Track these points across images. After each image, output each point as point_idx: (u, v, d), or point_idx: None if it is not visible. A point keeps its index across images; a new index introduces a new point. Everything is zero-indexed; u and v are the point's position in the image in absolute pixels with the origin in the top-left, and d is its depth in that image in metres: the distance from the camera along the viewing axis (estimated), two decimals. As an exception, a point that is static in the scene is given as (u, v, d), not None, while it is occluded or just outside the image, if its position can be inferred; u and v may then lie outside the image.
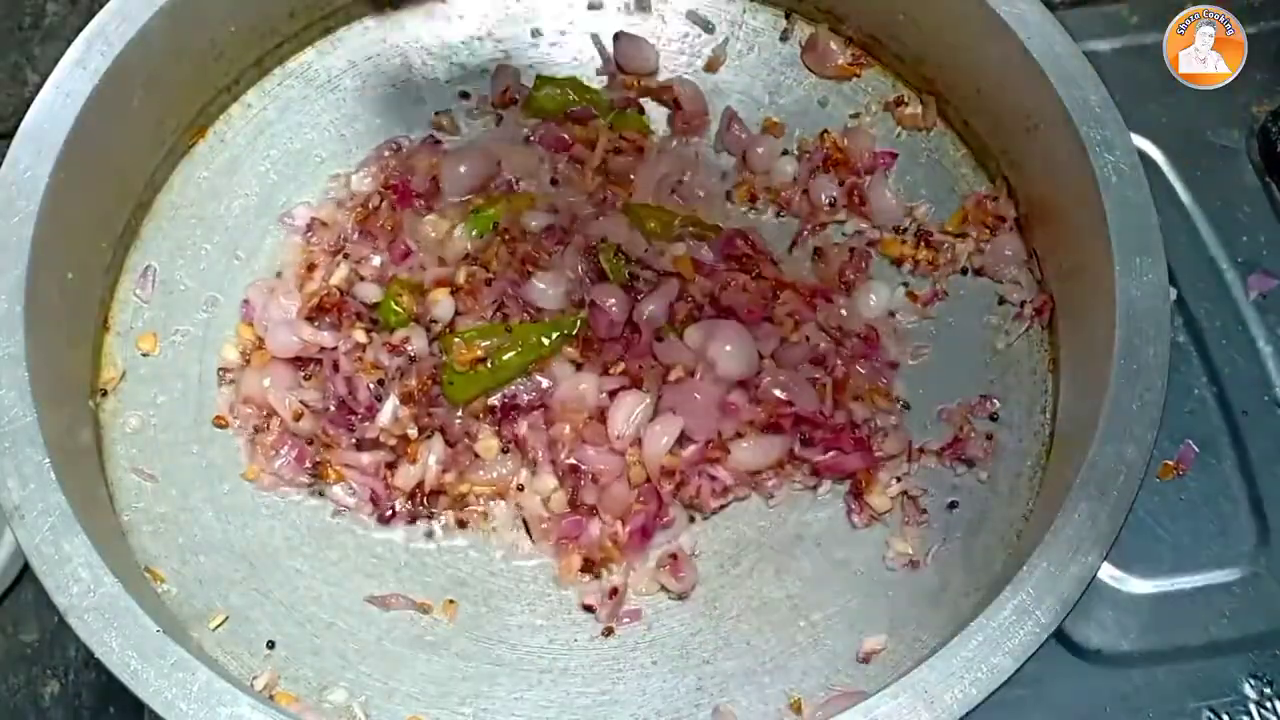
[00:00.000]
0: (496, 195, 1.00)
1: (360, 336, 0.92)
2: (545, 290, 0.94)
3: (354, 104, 1.06)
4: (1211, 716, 0.91)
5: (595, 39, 1.07)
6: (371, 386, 0.91)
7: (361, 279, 0.96)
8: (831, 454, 0.91)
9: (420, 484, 0.90)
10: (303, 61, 1.07)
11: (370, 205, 0.99)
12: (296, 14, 1.04)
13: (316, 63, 1.07)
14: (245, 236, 1.00)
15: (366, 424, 0.90)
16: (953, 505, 0.92)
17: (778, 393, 0.90)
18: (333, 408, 0.92)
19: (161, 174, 1.00)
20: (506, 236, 0.96)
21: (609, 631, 0.88)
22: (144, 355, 0.95)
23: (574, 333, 0.92)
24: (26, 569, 1.02)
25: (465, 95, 1.06)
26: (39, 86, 0.89)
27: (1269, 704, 0.92)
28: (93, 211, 0.93)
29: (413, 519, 0.91)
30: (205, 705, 0.73)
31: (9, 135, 0.87)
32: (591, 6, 1.09)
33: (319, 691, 0.86)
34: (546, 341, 0.92)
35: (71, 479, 0.81)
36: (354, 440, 0.91)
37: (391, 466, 0.91)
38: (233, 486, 0.92)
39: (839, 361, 0.93)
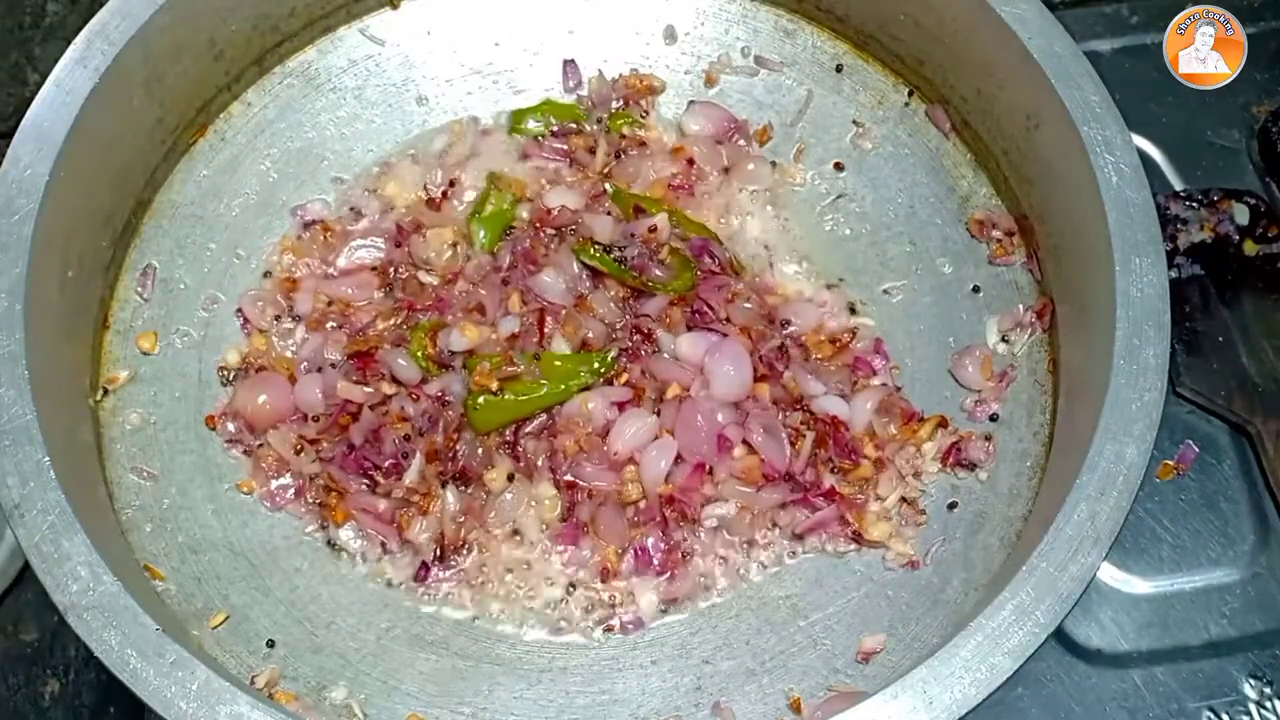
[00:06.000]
0: (486, 190, 1.01)
1: (388, 388, 0.92)
2: (550, 284, 0.94)
3: (354, 103, 1.06)
4: (1211, 716, 0.91)
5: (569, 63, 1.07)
6: (398, 441, 0.90)
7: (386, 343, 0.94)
8: (804, 512, 0.90)
9: (440, 536, 0.90)
10: (303, 60, 1.07)
11: (390, 277, 0.98)
12: (297, 12, 1.04)
13: (317, 62, 1.07)
14: (246, 235, 1.00)
15: (392, 480, 0.90)
16: (952, 506, 0.92)
17: (756, 439, 0.90)
18: (341, 452, 0.91)
19: (162, 172, 1.01)
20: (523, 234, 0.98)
21: (609, 630, 0.88)
22: (144, 354, 0.95)
23: (608, 370, 0.92)
24: (26, 568, 1.01)
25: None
26: (39, 85, 0.89)
27: (1269, 704, 0.91)
28: (93, 210, 0.93)
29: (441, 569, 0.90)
30: (205, 704, 0.73)
31: (9, 134, 0.87)
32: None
33: (319, 690, 0.86)
34: (578, 377, 0.91)
35: (71, 477, 0.81)
36: (365, 484, 0.90)
37: (403, 511, 0.90)
38: (232, 485, 0.92)
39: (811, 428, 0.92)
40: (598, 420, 0.91)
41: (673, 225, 0.97)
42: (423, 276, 0.97)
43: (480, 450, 0.91)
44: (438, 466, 0.90)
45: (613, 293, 0.95)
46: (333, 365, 0.93)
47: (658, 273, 0.95)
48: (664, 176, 1.02)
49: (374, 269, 0.98)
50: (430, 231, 0.98)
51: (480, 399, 0.89)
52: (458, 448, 0.91)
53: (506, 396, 0.90)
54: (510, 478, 0.91)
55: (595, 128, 1.05)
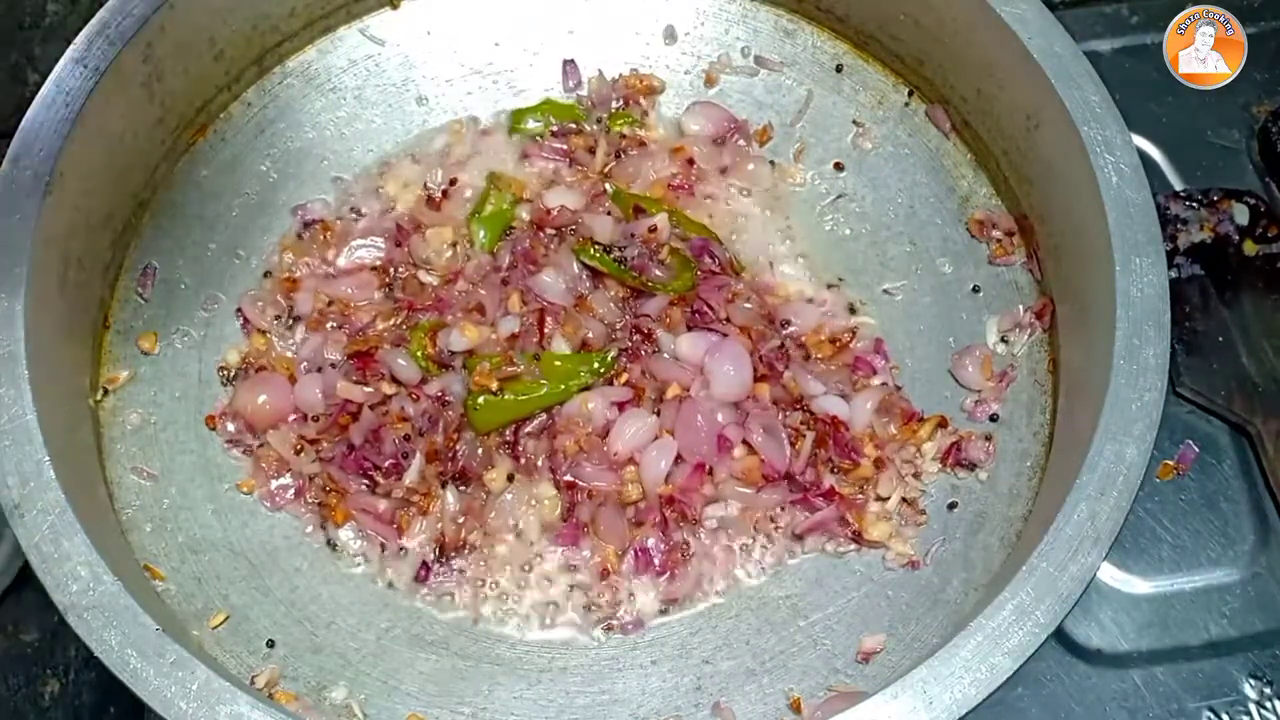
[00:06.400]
0: (486, 189, 1.01)
1: (388, 388, 0.92)
2: (550, 284, 0.94)
3: (354, 103, 1.06)
4: (1211, 716, 0.91)
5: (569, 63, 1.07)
6: (398, 441, 0.90)
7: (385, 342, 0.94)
8: (804, 512, 0.90)
9: (441, 537, 0.89)
10: (303, 60, 1.07)
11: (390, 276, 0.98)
12: (297, 12, 1.04)
13: (317, 62, 1.07)
14: (246, 235, 1.00)
15: (392, 480, 0.90)
16: (952, 506, 0.92)
17: (756, 439, 0.90)
18: (341, 452, 0.91)
19: (162, 172, 1.01)
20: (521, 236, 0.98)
21: (609, 630, 0.88)
22: (144, 354, 0.96)
23: (608, 370, 0.92)
24: (26, 568, 1.01)
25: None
26: (39, 86, 0.89)
27: (1269, 704, 0.91)
28: (93, 210, 0.93)
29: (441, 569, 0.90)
30: (205, 704, 0.73)
31: (9, 134, 0.87)
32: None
33: (319, 690, 0.86)
34: (578, 377, 0.91)
35: (71, 477, 0.81)
36: (365, 484, 0.91)
37: (403, 511, 0.90)
38: (232, 485, 0.92)
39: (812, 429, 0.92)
40: (598, 420, 0.91)
41: (673, 225, 0.97)
42: (423, 276, 0.97)
43: (480, 450, 0.91)
44: (438, 466, 0.90)
45: (613, 293, 0.95)
46: (333, 365, 0.93)
47: (658, 273, 0.95)
48: (664, 176, 1.02)
49: (374, 269, 0.98)
50: (430, 231, 0.98)
51: (480, 399, 0.89)
52: (458, 448, 0.91)
53: (506, 397, 0.90)
54: (510, 478, 0.91)
55: (595, 127, 1.05)
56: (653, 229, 0.95)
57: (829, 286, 0.99)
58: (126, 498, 0.91)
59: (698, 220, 1.00)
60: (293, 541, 0.91)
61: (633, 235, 0.96)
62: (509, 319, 0.93)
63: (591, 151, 1.03)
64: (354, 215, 1.01)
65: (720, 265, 0.97)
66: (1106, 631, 0.94)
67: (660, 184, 1.02)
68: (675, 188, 1.02)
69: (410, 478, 0.89)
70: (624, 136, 1.04)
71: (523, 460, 0.91)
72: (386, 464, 0.90)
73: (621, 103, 1.05)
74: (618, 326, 0.94)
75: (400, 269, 0.98)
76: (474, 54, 1.08)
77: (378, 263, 0.98)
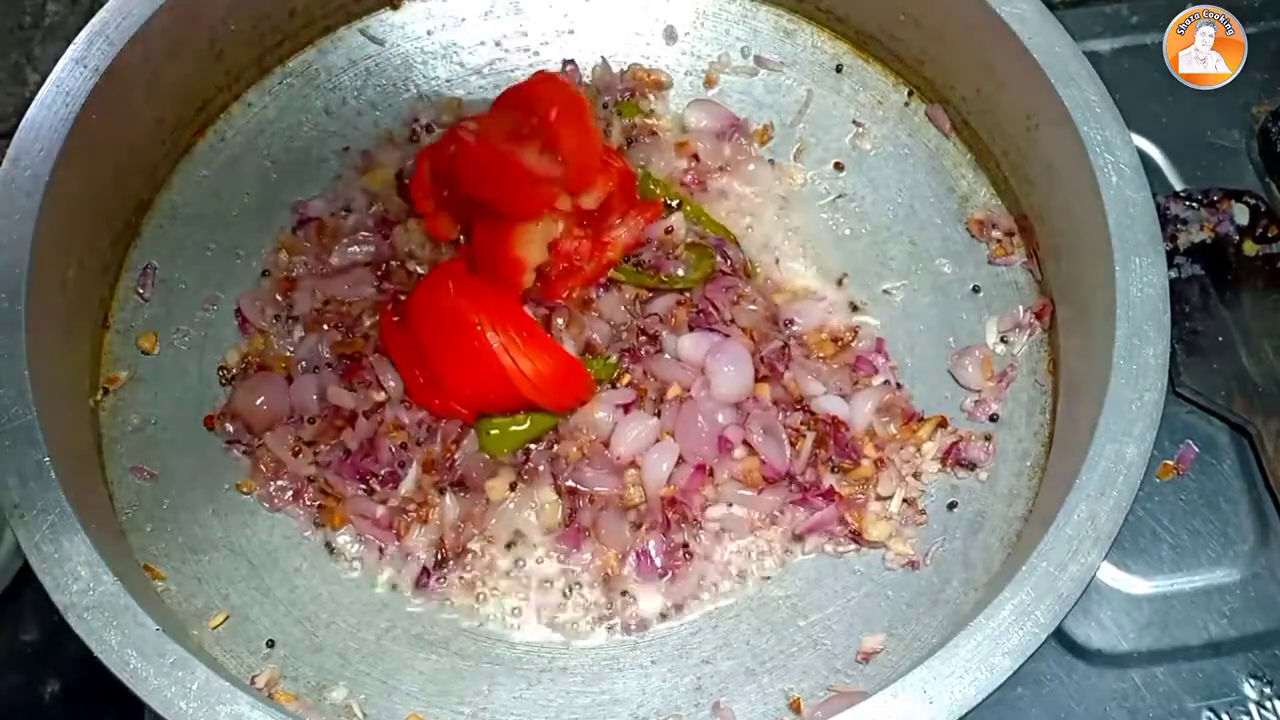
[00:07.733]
0: None
1: (377, 395, 0.91)
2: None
3: (354, 103, 1.06)
4: (1211, 716, 0.91)
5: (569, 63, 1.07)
6: (394, 450, 0.90)
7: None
8: (804, 512, 0.90)
9: (441, 542, 0.89)
10: (303, 60, 1.07)
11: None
12: (297, 12, 1.04)
13: (317, 61, 1.07)
14: (246, 235, 1.00)
15: (388, 488, 0.89)
16: (952, 505, 0.92)
17: (756, 439, 0.89)
18: (338, 457, 0.91)
19: (162, 172, 1.01)
20: None
21: (609, 630, 0.88)
22: (144, 354, 0.95)
23: (609, 376, 0.92)
24: (27, 568, 1.01)
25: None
26: (39, 85, 0.89)
27: (1269, 704, 0.91)
28: (93, 210, 0.93)
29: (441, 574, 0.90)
30: (205, 704, 0.73)
31: (9, 134, 0.87)
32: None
33: (319, 690, 0.86)
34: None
35: (71, 477, 0.81)
36: (363, 489, 0.90)
37: (401, 518, 0.90)
38: (232, 485, 0.92)
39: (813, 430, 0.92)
40: (603, 428, 0.91)
41: (692, 221, 0.97)
42: (412, 268, 0.96)
43: (481, 463, 0.90)
44: (434, 476, 0.90)
45: (628, 295, 0.95)
46: (329, 366, 0.93)
47: (680, 272, 0.94)
48: (676, 173, 1.02)
49: (367, 265, 0.98)
50: (413, 221, 0.97)
51: (493, 430, 0.89)
52: (455, 458, 0.90)
53: (513, 428, 0.90)
54: (512, 486, 0.90)
55: (603, 112, 1.04)
56: (669, 230, 0.95)
57: (830, 285, 0.99)
58: (126, 498, 0.91)
59: (717, 219, 1.00)
60: (292, 542, 0.91)
61: (649, 240, 0.96)
62: None
63: (605, 135, 1.02)
64: (344, 213, 1.00)
65: (733, 266, 0.97)
66: (1106, 631, 0.94)
67: (673, 179, 1.01)
68: (687, 184, 1.01)
69: (406, 487, 0.89)
70: (634, 125, 1.03)
71: (524, 467, 0.91)
72: (383, 472, 0.90)
73: (628, 94, 1.05)
74: (624, 328, 0.94)
75: (391, 262, 0.97)
76: (474, 54, 1.08)
77: (371, 259, 0.98)
